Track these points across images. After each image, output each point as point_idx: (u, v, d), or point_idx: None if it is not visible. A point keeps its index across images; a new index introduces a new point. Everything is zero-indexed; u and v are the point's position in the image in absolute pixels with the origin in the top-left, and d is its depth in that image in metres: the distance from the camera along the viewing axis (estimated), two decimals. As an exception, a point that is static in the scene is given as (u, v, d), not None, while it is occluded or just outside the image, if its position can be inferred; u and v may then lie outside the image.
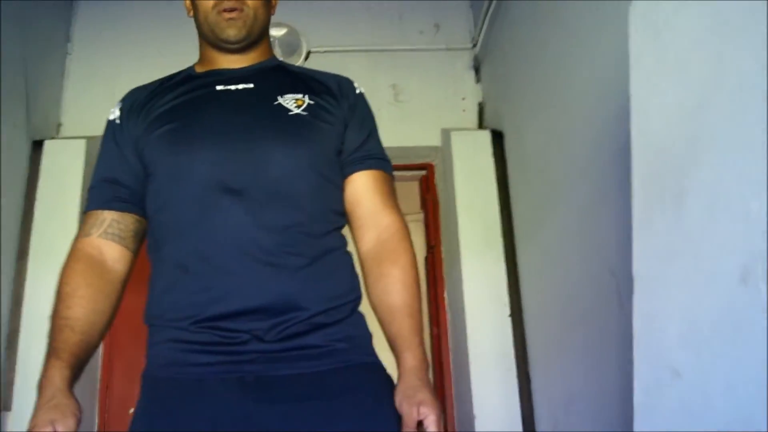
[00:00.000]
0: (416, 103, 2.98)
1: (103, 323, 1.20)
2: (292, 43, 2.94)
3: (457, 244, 2.58)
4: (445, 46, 3.09)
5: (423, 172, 3.03)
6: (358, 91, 1.40)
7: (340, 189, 1.30)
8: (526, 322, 2.44)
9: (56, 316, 1.16)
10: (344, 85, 1.39)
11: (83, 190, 2.56)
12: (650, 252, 1.01)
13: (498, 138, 2.72)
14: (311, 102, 1.30)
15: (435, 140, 2.91)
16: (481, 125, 2.97)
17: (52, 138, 2.75)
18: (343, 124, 1.32)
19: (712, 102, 0.86)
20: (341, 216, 1.30)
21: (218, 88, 1.32)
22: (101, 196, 1.28)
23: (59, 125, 2.88)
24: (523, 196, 2.49)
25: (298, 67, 1.45)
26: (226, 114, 1.27)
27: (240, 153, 1.21)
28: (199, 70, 1.39)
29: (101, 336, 1.21)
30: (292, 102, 1.29)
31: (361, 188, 1.30)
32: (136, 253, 1.29)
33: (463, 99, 3.02)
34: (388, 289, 1.23)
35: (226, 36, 1.31)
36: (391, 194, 1.33)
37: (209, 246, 1.17)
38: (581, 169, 1.86)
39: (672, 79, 0.96)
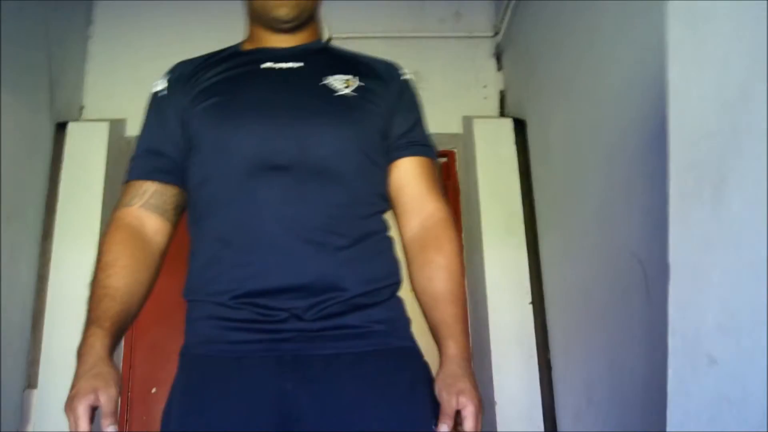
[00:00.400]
0: (437, 91, 2.96)
1: (142, 294, 1.20)
2: (313, 28, 2.93)
3: (479, 231, 2.58)
4: (467, 34, 3.08)
5: (444, 159, 3.03)
6: (405, 77, 1.39)
7: (385, 172, 1.30)
8: (547, 309, 2.45)
9: (96, 285, 1.15)
10: (392, 69, 1.38)
11: (106, 172, 2.60)
12: (687, 241, 1.01)
13: (520, 126, 2.72)
14: (361, 84, 1.29)
15: (456, 127, 2.91)
16: (502, 113, 2.96)
17: (75, 120, 2.77)
18: (390, 108, 1.31)
19: (753, 93, 0.85)
20: (384, 200, 1.29)
21: (264, 65, 1.31)
22: (144, 167, 1.28)
23: (81, 108, 2.90)
24: (546, 184, 2.49)
25: (346, 50, 1.43)
26: (273, 91, 1.27)
27: (286, 129, 1.21)
28: (246, 46, 1.38)
29: (140, 307, 1.21)
30: (341, 82, 1.28)
31: (407, 174, 1.30)
32: (175, 226, 1.29)
33: (485, 87, 3.02)
34: (432, 276, 1.23)
35: (275, 14, 1.29)
36: (435, 181, 1.33)
37: (252, 221, 1.16)
38: (608, 157, 1.86)
39: (712, 70, 0.96)
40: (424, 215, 1.28)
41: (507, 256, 2.52)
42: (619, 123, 1.78)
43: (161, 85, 1.35)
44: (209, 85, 1.29)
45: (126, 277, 1.17)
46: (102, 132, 2.65)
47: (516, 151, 2.66)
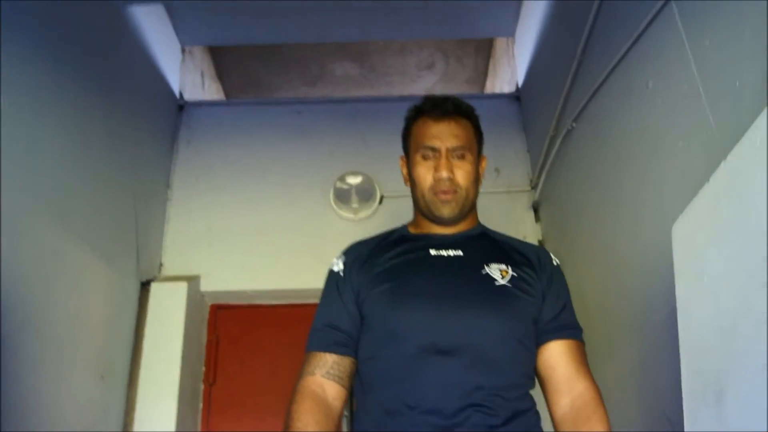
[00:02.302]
0: (481, 242, 3.24)
1: None
2: (367, 189, 3.25)
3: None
4: (506, 189, 3.37)
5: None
6: (555, 263, 1.53)
7: (534, 354, 1.42)
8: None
9: None
10: (543, 257, 1.52)
11: (186, 327, 2.87)
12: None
13: (558, 277, 2.94)
14: (514, 274, 1.43)
15: (500, 279, 3.14)
16: (541, 262, 3.20)
17: (155, 277, 3.08)
18: (541, 295, 1.44)
19: (742, 326, 1.09)
20: (532, 379, 1.42)
21: (432, 252, 1.47)
22: (324, 340, 1.44)
23: (161, 265, 3.21)
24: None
25: (500, 236, 1.59)
26: (440, 278, 1.41)
27: (451, 317, 1.34)
28: (412, 231, 1.57)
29: None
30: (497, 272, 1.42)
31: (556, 356, 1.41)
32: (350, 391, 1.44)
33: (524, 237, 3.26)
34: None
35: (440, 214, 1.49)
36: (583, 362, 1.44)
37: (418, 397, 1.29)
38: (635, 324, 2.05)
39: (707, 300, 1.19)
40: (574, 394, 1.38)
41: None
42: (640, 294, 1.99)
43: (338, 265, 1.54)
44: (383, 270, 1.46)
45: None
46: (181, 291, 2.95)
47: (555, 302, 2.87)
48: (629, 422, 2.14)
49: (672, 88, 1.75)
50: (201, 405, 3.01)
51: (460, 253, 1.46)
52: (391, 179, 3.31)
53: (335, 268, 1.54)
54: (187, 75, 3.77)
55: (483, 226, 1.60)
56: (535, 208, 3.33)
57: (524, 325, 1.39)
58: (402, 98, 3.84)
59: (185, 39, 3.68)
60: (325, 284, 1.54)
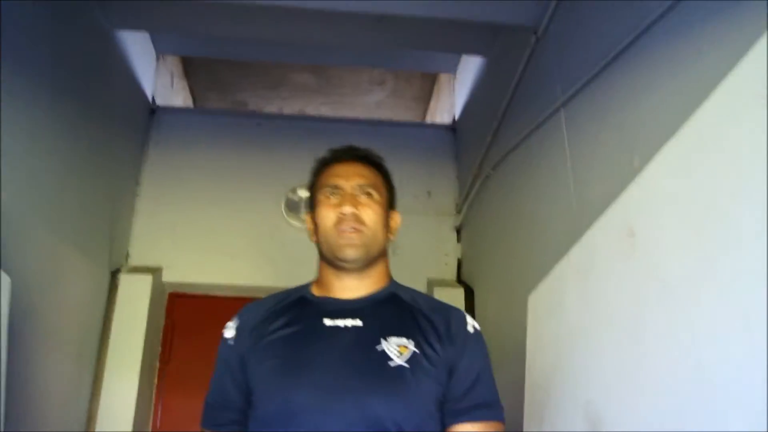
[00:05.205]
0: (408, 256, 3.69)
1: None
2: (315, 203, 3.71)
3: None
4: (435, 210, 3.90)
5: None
6: (471, 330, 1.37)
7: None
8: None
9: None
10: (456, 325, 1.36)
11: (149, 313, 3.32)
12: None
13: (471, 293, 3.49)
14: (416, 350, 1.29)
15: (422, 287, 3.65)
16: (459, 277, 3.75)
17: (122, 266, 3.51)
18: (447, 370, 1.30)
19: (555, 375, 1.63)
20: None
21: (326, 323, 1.33)
22: (217, 418, 1.40)
23: (128, 255, 3.62)
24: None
25: (413, 297, 1.44)
26: (331, 356, 1.28)
27: (339, 402, 1.22)
28: (315, 292, 1.44)
29: None
30: (395, 348, 1.28)
31: None
32: None
33: (446, 255, 3.81)
34: None
35: (343, 256, 1.35)
36: None
37: None
38: (515, 347, 2.60)
39: (540, 354, 1.73)
40: None
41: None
42: (522, 324, 2.52)
43: (230, 332, 1.42)
44: (271, 342, 1.34)
45: None
46: (147, 281, 3.39)
47: (466, 316, 3.41)
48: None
49: (554, 173, 2.27)
50: (156, 380, 3.47)
51: (358, 323, 1.33)
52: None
53: (227, 334, 1.43)
54: (159, 79, 4.15)
55: (395, 285, 1.47)
56: (458, 230, 3.85)
57: (423, 410, 1.26)
58: (356, 121, 4.35)
59: (161, 48, 4.06)
60: (218, 350, 1.44)
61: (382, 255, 1.44)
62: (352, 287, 1.39)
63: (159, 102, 4.07)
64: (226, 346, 1.40)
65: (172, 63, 4.53)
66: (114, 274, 3.38)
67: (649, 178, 1.27)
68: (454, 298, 3.47)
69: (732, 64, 1.02)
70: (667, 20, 1.57)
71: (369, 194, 1.41)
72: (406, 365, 1.26)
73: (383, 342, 1.29)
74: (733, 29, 1.27)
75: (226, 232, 3.72)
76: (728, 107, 1.04)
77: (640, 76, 1.69)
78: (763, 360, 0.86)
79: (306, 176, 1.54)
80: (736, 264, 0.95)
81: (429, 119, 5.16)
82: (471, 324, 1.38)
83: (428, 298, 1.46)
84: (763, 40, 0.94)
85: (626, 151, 1.70)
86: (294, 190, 3.73)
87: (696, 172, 1.10)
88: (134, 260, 3.63)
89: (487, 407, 1.30)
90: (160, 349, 3.55)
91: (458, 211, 3.85)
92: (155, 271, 3.49)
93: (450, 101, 4.32)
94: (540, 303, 1.79)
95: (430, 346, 1.30)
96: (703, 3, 1.43)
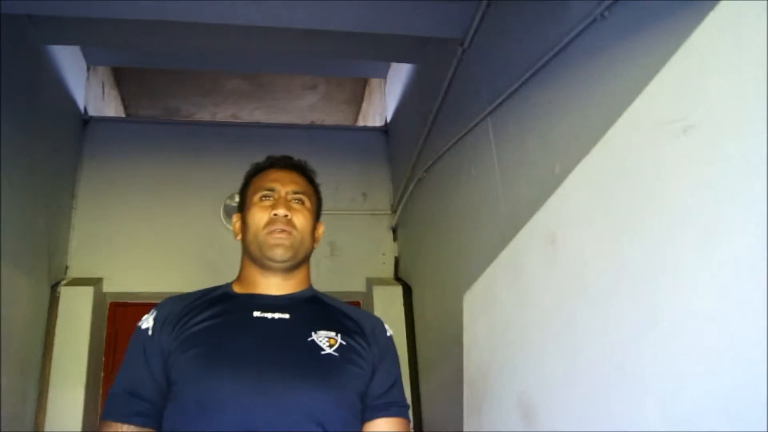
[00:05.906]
0: (348, 256, 3.87)
1: None
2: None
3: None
4: (371, 211, 4.03)
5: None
6: (388, 335, 1.47)
7: (358, 430, 1.34)
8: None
9: None
10: (377, 328, 1.46)
11: (91, 324, 3.33)
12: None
13: (408, 291, 3.63)
14: (343, 342, 1.35)
15: (362, 287, 3.80)
16: (396, 275, 3.89)
17: (62, 279, 3.51)
18: (371, 368, 1.37)
19: (490, 370, 1.77)
20: None
21: (255, 314, 1.35)
22: (122, 408, 1.28)
23: (67, 268, 3.63)
24: (424, 342, 3.38)
25: (333, 301, 1.50)
26: (261, 344, 1.29)
27: (269, 390, 1.22)
28: (237, 290, 1.44)
29: None
30: (324, 340, 1.33)
31: None
32: None
33: (383, 254, 3.95)
34: None
35: (272, 255, 1.38)
36: None
37: None
38: (453, 342, 2.74)
39: (475, 350, 1.88)
40: None
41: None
42: (458, 319, 2.67)
43: (148, 322, 1.36)
44: (197, 332, 1.31)
45: None
46: (88, 294, 3.41)
47: (404, 312, 3.56)
48: (444, 408, 2.84)
49: (484, 178, 2.42)
50: (101, 390, 3.49)
51: (286, 316, 1.36)
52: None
53: (143, 325, 1.37)
54: (90, 89, 4.14)
55: (314, 290, 1.52)
56: (394, 230, 3.99)
57: (350, 400, 1.31)
58: (292, 126, 4.43)
59: (92, 59, 4.05)
60: (130, 342, 1.37)
61: (306, 260, 1.50)
62: (277, 285, 1.43)
63: (91, 112, 4.06)
64: (143, 336, 1.35)
65: (103, 73, 4.52)
66: (54, 288, 3.39)
67: (568, 189, 1.41)
68: (393, 295, 3.61)
69: (645, 82, 1.15)
70: (584, 38, 1.72)
71: (301, 201, 1.48)
72: (336, 354, 1.32)
73: (313, 334, 1.34)
74: (646, 50, 1.41)
75: (165, 240, 3.76)
76: (639, 126, 1.17)
77: (560, 89, 1.85)
78: (671, 353, 1.00)
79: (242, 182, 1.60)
80: (646, 270, 1.09)
81: (361, 122, 5.29)
82: (388, 329, 1.49)
83: (346, 304, 1.52)
84: (672, 62, 1.07)
85: (549, 159, 1.86)
86: (232, 197, 3.79)
87: (610, 185, 1.24)
88: (74, 272, 3.63)
89: (401, 406, 1.40)
90: (104, 358, 3.56)
91: (393, 211, 3.99)
92: (96, 282, 3.51)
93: (382, 104, 4.45)
94: (475, 302, 1.92)
95: (356, 342, 1.38)
96: (619, 23, 1.57)
